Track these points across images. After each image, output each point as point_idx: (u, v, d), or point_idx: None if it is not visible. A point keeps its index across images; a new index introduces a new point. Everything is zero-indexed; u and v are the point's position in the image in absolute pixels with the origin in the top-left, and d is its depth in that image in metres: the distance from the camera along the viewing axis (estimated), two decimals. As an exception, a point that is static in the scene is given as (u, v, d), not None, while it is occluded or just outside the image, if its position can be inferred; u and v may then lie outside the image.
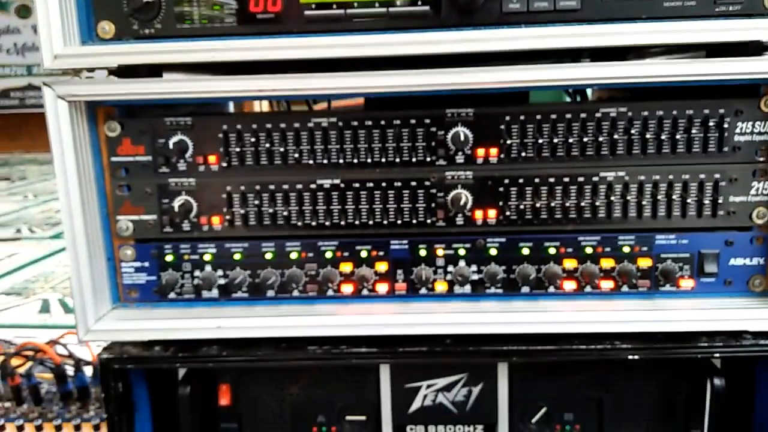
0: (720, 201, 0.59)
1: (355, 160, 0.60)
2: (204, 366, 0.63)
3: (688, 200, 0.59)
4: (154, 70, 0.57)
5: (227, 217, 0.61)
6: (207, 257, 0.63)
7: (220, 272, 0.63)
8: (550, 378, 0.66)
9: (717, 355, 0.59)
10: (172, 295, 0.63)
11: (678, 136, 0.58)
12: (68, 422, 1.12)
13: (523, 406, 0.67)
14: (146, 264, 0.63)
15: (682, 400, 0.65)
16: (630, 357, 0.59)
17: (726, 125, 0.58)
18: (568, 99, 0.85)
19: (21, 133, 5.88)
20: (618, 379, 0.66)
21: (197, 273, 0.63)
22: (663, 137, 0.58)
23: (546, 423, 0.67)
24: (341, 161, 0.60)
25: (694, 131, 0.58)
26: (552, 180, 0.60)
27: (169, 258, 0.63)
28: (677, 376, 0.65)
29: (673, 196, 0.59)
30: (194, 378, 0.65)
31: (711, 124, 0.58)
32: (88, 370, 1.19)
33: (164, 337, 0.60)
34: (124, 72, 0.57)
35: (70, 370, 1.20)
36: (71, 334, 1.30)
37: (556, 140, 0.59)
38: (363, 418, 0.68)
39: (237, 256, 0.63)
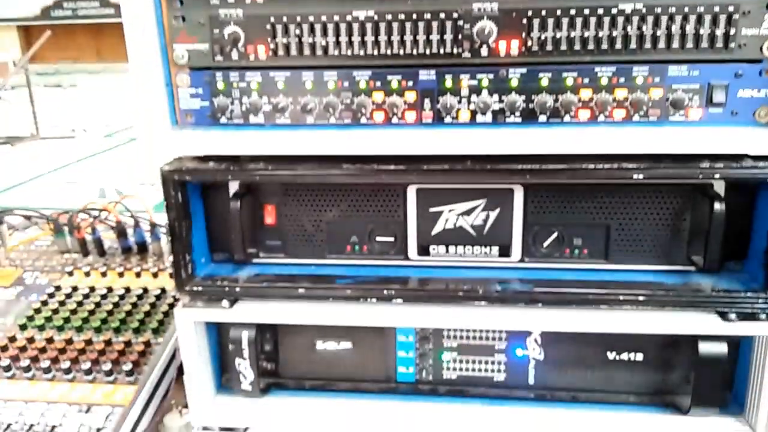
0: (732, 33, 0.62)
1: (388, -8, 0.65)
2: (252, 179, 0.71)
3: (702, 32, 0.63)
4: None
5: (271, 47, 0.68)
6: (254, 85, 0.69)
7: (265, 99, 0.70)
8: (562, 205, 0.72)
9: (717, 176, 0.64)
10: (223, 120, 0.70)
11: (695, -32, 0.61)
12: (129, 270, 1.24)
13: (535, 231, 0.74)
14: (200, 90, 0.70)
15: (684, 227, 0.71)
16: (635, 177, 0.64)
17: (742, -44, 0.60)
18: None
19: (70, 44, 5.99)
20: (625, 206, 0.71)
21: (245, 99, 0.70)
22: (680, -31, 0.61)
23: (556, 247, 0.74)
24: (375, -7, 0.65)
25: (711, -37, 0.61)
26: (573, 12, 0.64)
27: (220, 85, 0.70)
28: (680, 204, 0.70)
29: (687, 28, 0.63)
30: (243, 196, 0.73)
31: (728, -46, 0.60)
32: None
33: (217, 152, 0.68)
34: None
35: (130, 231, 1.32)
36: (129, 198, 1.42)
37: (578, -28, 0.62)
38: (391, 239, 0.76)
39: (280, 85, 0.69)
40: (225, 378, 0.81)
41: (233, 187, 0.74)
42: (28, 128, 4.08)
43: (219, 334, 0.80)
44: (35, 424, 0.93)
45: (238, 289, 0.73)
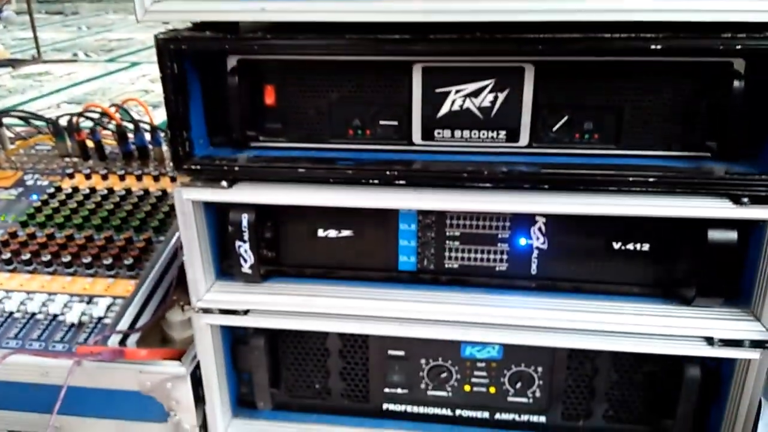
0: None
1: None
2: (250, 49, 0.68)
3: None
4: None
5: None
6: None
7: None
8: (573, 86, 0.69)
9: (739, 47, 0.60)
10: (220, -11, 0.67)
11: None
12: (130, 174, 1.23)
13: (545, 114, 0.71)
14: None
15: (700, 110, 0.68)
16: (653, 47, 0.61)
17: None
18: None
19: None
20: (639, 87, 0.68)
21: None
22: None
23: (566, 131, 0.71)
24: None
25: None
26: None
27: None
28: (697, 85, 0.67)
29: None
30: (242, 72, 0.70)
31: None
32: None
33: (213, 19, 0.65)
34: None
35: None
36: (132, 101, 1.39)
37: None
38: (395, 122, 0.73)
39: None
40: (225, 264, 0.80)
41: (231, 62, 0.71)
42: (29, 52, 4.03)
43: (218, 221, 0.79)
44: (37, 312, 0.94)
45: (237, 169, 0.72)
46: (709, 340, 0.73)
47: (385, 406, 0.87)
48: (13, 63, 3.79)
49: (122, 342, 0.87)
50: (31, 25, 4.05)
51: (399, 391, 0.86)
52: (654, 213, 0.68)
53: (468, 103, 0.71)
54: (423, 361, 0.84)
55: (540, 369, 0.82)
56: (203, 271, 0.77)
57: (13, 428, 0.90)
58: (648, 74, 0.68)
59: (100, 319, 0.91)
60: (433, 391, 0.85)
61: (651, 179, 0.67)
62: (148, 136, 1.29)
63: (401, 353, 0.83)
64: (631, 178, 0.67)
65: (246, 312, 0.78)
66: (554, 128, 0.71)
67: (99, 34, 5.16)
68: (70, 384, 0.81)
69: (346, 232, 0.79)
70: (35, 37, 3.96)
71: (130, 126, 1.29)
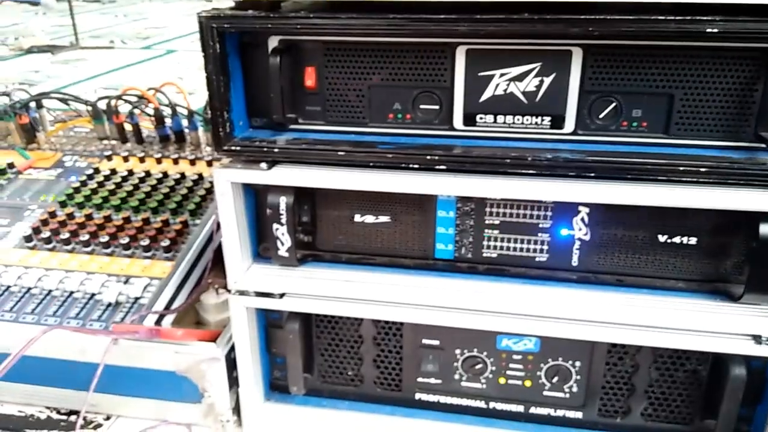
0: None
1: None
2: (293, 29, 0.67)
3: None
4: None
5: None
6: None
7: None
8: (622, 71, 0.67)
9: (802, 31, 0.58)
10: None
11: None
12: (167, 157, 1.24)
13: (592, 100, 0.69)
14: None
15: (755, 99, 0.65)
16: (709, 30, 0.58)
17: None
18: None
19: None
20: (692, 74, 0.66)
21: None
22: None
23: (613, 118, 0.69)
24: None
25: None
26: None
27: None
28: (753, 73, 0.64)
29: None
30: (283, 53, 0.70)
31: None
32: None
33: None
34: None
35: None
36: (170, 85, 1.40)
37: None
38: (436, 107, 0.72)
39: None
40: (262, 247, 0.80)
41: (273, 43, 0.70)
42: (67, 38, 4.09)
43: (256, 204, 0.78)
44: (75, 291, 0.95)
45: (276, 151, 0.71)
46: (757, 338, 0.70)
47: (417, 395, 0.86)
48: (51, 49, 3.86)
49: (157, 322, 0.88)
50: (69, 12, 4.11)
51: (432, 381, 0.84)
52: (705, 205, 0.66)
53: (512, 88, 0.69)
54: (458, 351, 0.82)
55: (578, 363, 0.80)
56: (241, 254, 0.76)
57: (50, 404, 0.91)
58: (701, 60, 0.65)
59: (136, 299, 0.92)
60: (467, 383, 0.84)
61: (703, 169, 0.64)
62: (184, 121, 1.29)
63: (436, 342, 0.82)
64: (682, 168, 0.65)
65: (282, 295, 0.77)
66: (601, 115, 0.69)
67: (135, 22, 5.22)
68: (106, 362, 0.82)
69: (383, 218, 0.78)
70: (73, 24, 4.03)
71: (167, 110, 1.30)
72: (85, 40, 4.11)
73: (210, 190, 1.13)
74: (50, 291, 0.94)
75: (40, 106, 1.34)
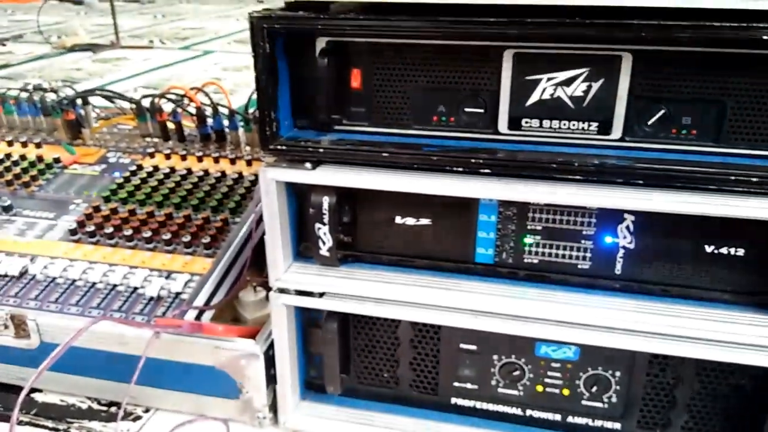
0: None
1: None
2: (341, 30, 0.68)
3: None
4: None
5: None
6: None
7: (359, -53, 0.65)
8: (673, 77, 0.66)
9: None
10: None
11: None
12: (208, 156, 1.26)
13: (640, 106, 0.68)
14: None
15: (812, 108, 0.64)
16: (765, 38, 0.57)
17: None
18: None
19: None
20: (745, 82, 0.64)
21: (338, -53, 0.66)
22: None
23: (662, 125, 0.68)
24: None
25: None
26: None
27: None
28: (813, 81, 0.63)
29: None
30: (330, 54, 0.70)
31: None
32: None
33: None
34: None
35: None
36: (212, 84, 1.42)
37: None
38: (481, 110, 0.72)
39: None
40: (303, 246, 0.81)
41: (320, 44, 0.71)
42: (108, 37, 4.19)
43: (299, 203, 0.79)
44: (118, 284, 0.97)
45: (321, 151, 0.72)
46: (807, 354, 0.69)
47: (453, 400, 0.85)
48: (93, 48, 3.95)
49: (197, 318, 0.89)
50: (111, 12, 4.21)
51: (469, 386, 0.84)
52: (755, 215, 0.64)
53: (559, 92, 0.69)
54: (495, 357, 0.82)
55: (618, 373, 0.79)
56: (282, 252, 0.77)
57: (91, 395, 0.93)
58: (755, 67, 0.64)
59: (177, 294, 0.94)
60: (504, 389, 0.83)
61: (754, 179, 0.63)
62: (225, 121, 1.31)
63: (473, 347, 0.82)
64: (733, 177, 0.63)
65: (321, 295, 0.78)
66: (649, 122, 0.68)
67: (173, 23, 5.31)
68: (148, 355, 0.83)
69: (424, 221, 0.78)
70: (114, 24, 4.12)
71: (208, 110, 1.32)
72: (125, 40, 4.20)
73: (249, 189, 1.14)
74: (94, 284, 0.96)
75: (85, 103, 1.37)
